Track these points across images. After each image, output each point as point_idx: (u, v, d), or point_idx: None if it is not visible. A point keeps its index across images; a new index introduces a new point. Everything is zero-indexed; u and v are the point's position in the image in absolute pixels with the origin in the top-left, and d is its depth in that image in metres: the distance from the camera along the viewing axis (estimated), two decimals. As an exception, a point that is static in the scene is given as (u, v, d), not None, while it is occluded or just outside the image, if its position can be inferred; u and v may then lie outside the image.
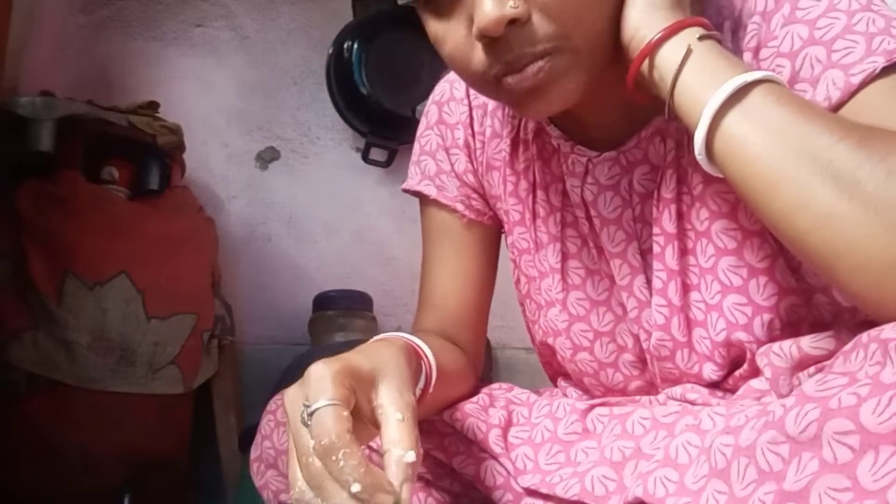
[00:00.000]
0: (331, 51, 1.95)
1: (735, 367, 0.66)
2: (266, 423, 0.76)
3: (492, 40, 0.56)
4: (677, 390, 0.69)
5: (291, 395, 0.52)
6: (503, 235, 0.85)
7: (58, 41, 1.78)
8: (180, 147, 1.59)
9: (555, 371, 0.85)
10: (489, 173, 0.80)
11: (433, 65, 1.94)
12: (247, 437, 1.55)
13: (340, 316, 1.79)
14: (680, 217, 0.65)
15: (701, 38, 0.54)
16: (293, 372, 1.53)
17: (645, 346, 0.70)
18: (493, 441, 0.68)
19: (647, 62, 0.56)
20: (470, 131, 0.81)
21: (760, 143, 0.50)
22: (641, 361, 0.72)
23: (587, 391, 0.80)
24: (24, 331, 1.30)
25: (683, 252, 0.65)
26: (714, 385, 0.68)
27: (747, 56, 0.61)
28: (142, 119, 1.51)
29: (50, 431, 1.31)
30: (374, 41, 1.92)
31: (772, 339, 0.62)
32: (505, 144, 0.78)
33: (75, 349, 1.32)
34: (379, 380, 0.53)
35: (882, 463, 0.37)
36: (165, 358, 1.40)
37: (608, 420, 0.67)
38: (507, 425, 0.70)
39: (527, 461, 0.66)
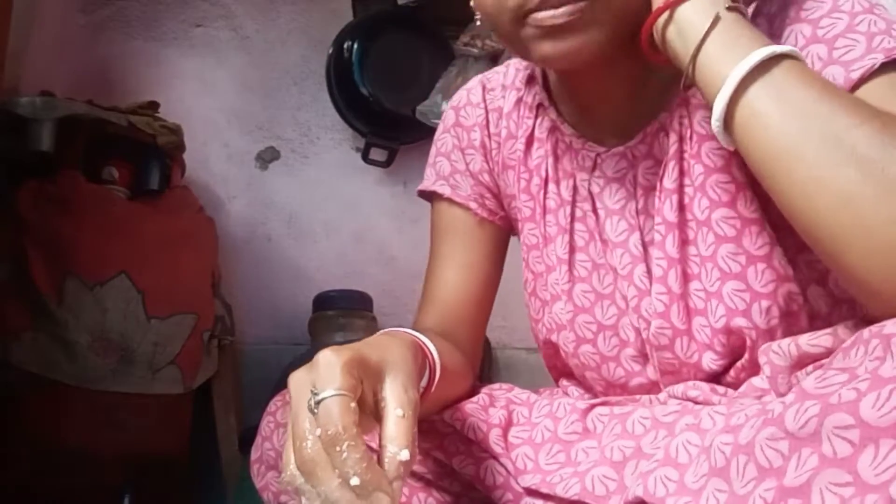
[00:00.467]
0: (331, 51, 1.95)
1: (735, 357, 0.67)
2: (266, 425, 0.76)
3: None
4: (679, 388, 0.69)
5: (298, 379, 0.52)
6: (516, 237, 0.86)
7: (58, 41, 1.78)
8: (180, 147, 1.59)
9: (559, 371, 0.84)
10: (505, 172, 0.82)
11: (433, 65, 1.94)
12: (247, 437, 1.55)
13: (340, 316, 1.79)
14: (681, 208, 0.66)
15: (728, 8, 0.54)
16: (300, 364, 1.52)
17: (644, 335, 0.70)
18: (494, 441, 0.68)
19: (667, 17, 0.56)
20: (486, 132, 0.83)
21: (782, 119, 0.50)
22: (643, 356, 0.72)
23: (589, 389, 0.80)
24: (24, 331, 1.30)
25: (684, 242, 0.66)
26: (715, 379, 0.68)
27: None
28: (142, 119, 1.51)
29: (50, 431, 1.31)
30: (374, 41, 1.92)
31: (770, 328, 0.63)
32: (520, 144, 0.80)
33: (75, 349, 1.32)
34: (385, 373, 0.53)
35: (883, 457, 0.37)
36: (165, 358, 1.40)
37: (608, 419, 0.67)
38: (508, 425, 0.70)
39: (527, 461, 0.66)
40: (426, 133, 1.95)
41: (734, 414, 0.54)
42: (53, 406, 1.31)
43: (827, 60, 0.58)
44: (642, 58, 0.63)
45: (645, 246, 0.69)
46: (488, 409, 0.71)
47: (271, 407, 0.76)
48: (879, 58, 0.56)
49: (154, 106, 1.59)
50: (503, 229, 0.85)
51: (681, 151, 0.66)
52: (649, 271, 0.69)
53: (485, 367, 1.87)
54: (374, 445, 0.51)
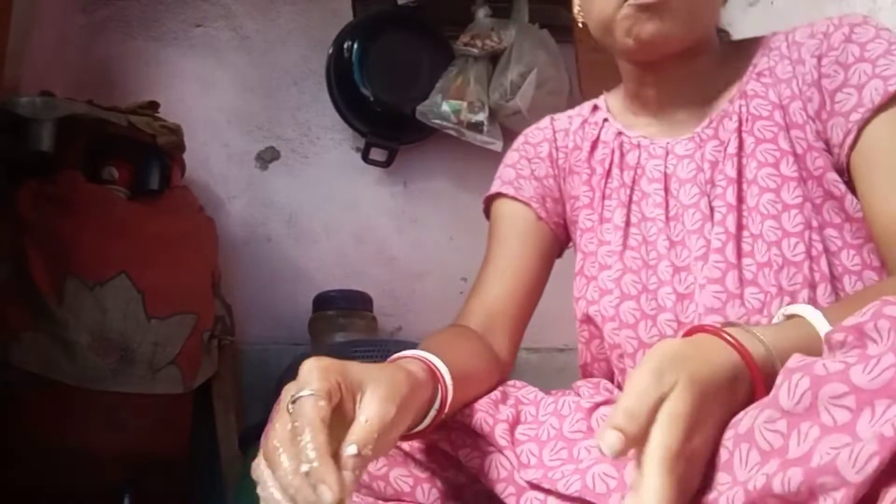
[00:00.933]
0: (331, 51, 1.96)
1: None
2: (277, 411, 0.76)
3: None
4: None
5: (287, 386, 0.57)
6: (573, 240, 0.93)
7: (58, 41, 1.78)
8: (180, 147, 1.59)
9: (592, 356, 0.88)
10: (570, 177, 0.92)
11: (433, 65, 1.94)
12: (247, 437, 1.56)
13: (340, 316, 1.79)
14: (739, 169, 0.78)
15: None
16: (293, 372, 1.53)
17: (702, 280, 0.76)
18: (500, 434, 0.69)
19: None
20: (553, 145, 0.94)
21: None
22: (678, 323, 0.77)
23: (608, 375, 0.85)
24: (24, 331, 1.30)
25: (741, 199, 0.77)
26: None
27: (812, 62, 0.77)
28: (142, 119, 1.51)
29: (50, 431, 1.31)
30: (374, 41, 1.92)
31: (796, 262, 0.73)
32: (584, 150, 0.91)
33: (75, 349, 1.32)
34: (366, 385, 0.57)
35: (880, 415, 0.38)
36: (165, 358, 1.40)
37: None
38: (515, 422, 0.71)
39: (531, 457, 0.67)
40: (426, 133, 1.96)
41: None
42: (53, 406, 1.31)
43: (871, 75, 0.72)
44: (711, 58, 0.82)
45: (712, 210, 0.79)
46: (498, 405, 0.72)
47: (283, 394, 0.77)
48: None
49: (154, 106, 1.59)
50: (554, 236, 0.93)
51: (740, 130, 0.80)
52: (713, 228, 0.79)
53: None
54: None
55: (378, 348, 1.56)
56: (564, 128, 0.95)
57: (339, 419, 0.54)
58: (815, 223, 0.74)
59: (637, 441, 0.47)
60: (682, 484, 0.46)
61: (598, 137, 0.90)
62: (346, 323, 1.78)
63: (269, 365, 1.74)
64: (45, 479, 1.31)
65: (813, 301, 0.71)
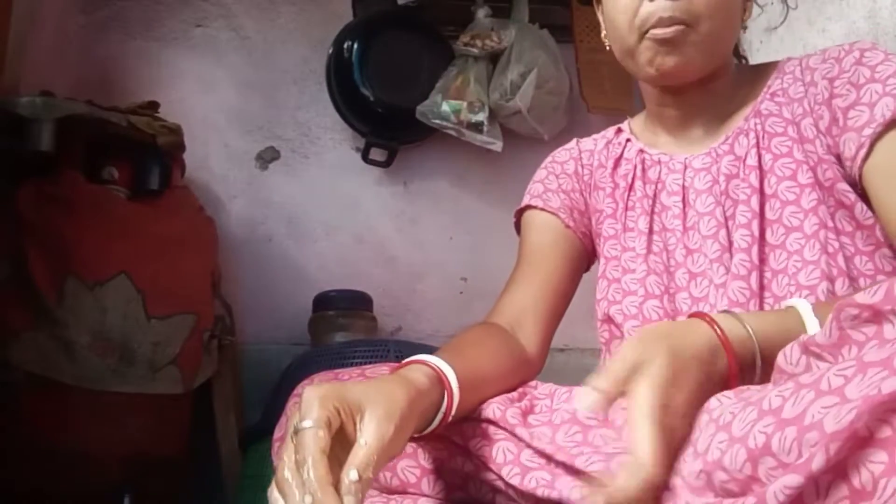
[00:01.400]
0: (331, 51, 1.96)
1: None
2: (292, 405, 0.78)
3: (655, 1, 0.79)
4: None
5: (293, 412, 0.60)
6: (598, 250, 0.97)
7: (58, 41, 1.78)
8: (180, 147, 1.59)
9: (612, 356, 0.87)
10: (595, 192, 0.98)
11: (433, 65, 1.94)
12: (247, 436, 1.56)
13: (340, 316, 1.79)
14: (761, 180, 0.83)
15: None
16: (293, 372, 1.53)
17: (719, 280, 0.81)
18: (511, 415, 0.71)
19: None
20: (579, 163, 1.00)
21: None
22: None
23: None
24: (24, 331, 1.30)
25: (761, 204, 0.82)
26: None
27: (824, 83, 0.82)
28: (142, 119, 1.51)
29: (50, 431, 1.31)
30: (374, 41, 1.92)
31: (814, 260, 0.78)
32: (609, 166, 0.97)
33: (75, 349, 1.31)
34: (364, 408, 0.60)
35: (868, 379, 0.40)
36: (165, 358, 1.40)
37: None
38: (528, 411, 0.73)
39: (543, 437, 0.68)
40: (426, 133, 1.96)
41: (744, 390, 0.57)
42: (53, 406, 1.31)
43: (882, 93, 0.76)
44: (729, 81, 0.88)
45: (726, 219, 0.84)
46: (514, 401, 0.74)
47: (298, 389, 0.78)
48: None
49: (154, 106, 1.59)
50: (584, 246, 0.98)
51: (758, 146, 0.85)
52: (729, 234, 0.83)
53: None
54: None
55: (378, 348, 1.56)
56: (590, 148, 1.01)
57: (342, 442, 0.58)
58: (830, 224, 0.79)
59: (611, 399, 0.55)
60: (668, 434, 0.53)
61: (621, 155, 0.96)
62: (346, 323, 1.78)
63: (269, 365, 1.74)
64: (44, 479, 1.31)
65: (832, 294, 0.76)
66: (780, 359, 0.53)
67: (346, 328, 1.77)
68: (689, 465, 0.52)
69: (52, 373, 1.30)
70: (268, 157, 1.97)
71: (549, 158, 1.05)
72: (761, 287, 0.80)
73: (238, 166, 1.95)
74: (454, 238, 2.02)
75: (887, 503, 0.38)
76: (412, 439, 0.68)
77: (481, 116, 1.88)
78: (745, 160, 0.85)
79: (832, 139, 0.80)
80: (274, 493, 0.57)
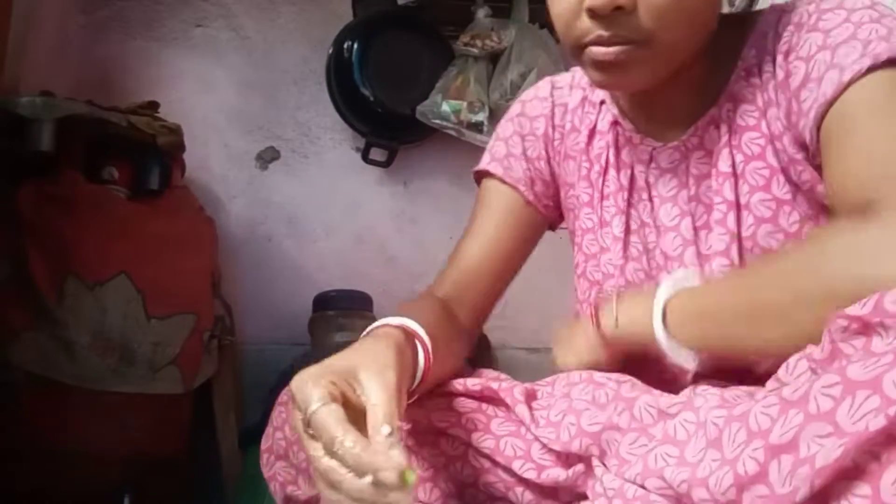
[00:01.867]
0: (331, 51, 1.95)
1: None
2: (278, 415, 0.77)
3: (595, 14, 0.66)
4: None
5: (293, 417, 0.57)
6: (568, 226, 0.91)
7: (58, 41, 1.78)
8: (180, 147, 1.59)
9: None
10: (566, 162, 0.89)
11: (433, 65, 1.94)
12: (247, 436, 1.56)
13: (340, 316, 1.79)
14: (736, 188, 0.73)
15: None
16: (293, 372, 1.52)
17: None
18: (516, 393, 0.71)
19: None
20: (551, 123, 0.90)
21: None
22: None
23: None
24: (24, 331, 1.30)
25: (738, 220, 0.73)
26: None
27: (779, 59, 0.70)
28: (142, 119, 1.51)
29: (50, 431, 1.31)
30: (374, 41, 1.92)
31: None
32: (582, 136, 0.87)
33: (75, 349, 1.31)
34: (359, 372, 0.57)
35: (858, 405, 0.40)
36: (165, 358, 1.40)
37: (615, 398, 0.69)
38: (531, 398, 0.73)
39: (541, 419, 0.69)
40: (426, 133, 1.96)
41: (727, 391, 0.58)
42: (53, 406, 1.31)
43: (829, 64, 0.65)
44: (699, 64, 0.73)
45: (696, 230, 0.76)
46: (514, 388, 0.73)
47: (282, 397, 0.78)
48: (866, 62, 0.62)
49: (154, 106, 1.59)
50: (543, 218, 0.91)
51: (730, 141, 0.74)
52: (699, 254, 0.75)
53: (485, 367, 1.87)
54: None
55: (378, 348, 1.55)
56: (564, 102, 0.90)
57: (350, 413, 0.54)
58: None
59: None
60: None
61: (595, 124, 0.86)
62: (346, 323, 1.78)
63: (269, 365, 1.74)
64: (44, 479, 1.31)
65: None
66: (781, 371, 0.53)
67: (346, 328, 1.77)
68: (671, 470, 0.52)
69: (52, 373, 1.30)
70: (268, 157, 1.97)
71: (517, 108, 0.93)
72: None
73: (238, 166, 1.95)
74: (454, 238, 1.98)
75: None
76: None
77: (481, 116, 1.88)
78: (717, 162, 0.74)
79: (796, 129, 0.69)
80: (327, 491, 0.53)
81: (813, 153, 0.67)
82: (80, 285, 1.34)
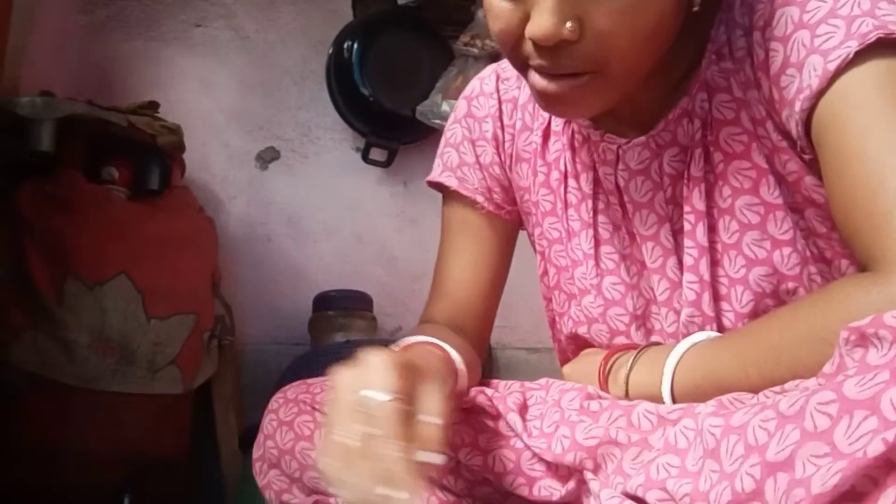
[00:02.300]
0: (331, 51, 1.95)
1: None
2: (268, 423, 0.76)
3: (537, 45, 0.59)
4: None
5: (346, 378, 0.54)
6: (526, 229, 0.86)
7: (58, 41, 1.78)
8: (180, 147, 1.59)
9: None
10: (518, 165, 0.82)
11: (433, 65, 1.94)
12: (247, 437, 1.56)
13: (340, 316, 1.79)
14: (708, 195, 0.66)
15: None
16: (293, 372, 1.53)
17: (672, 329, 0.71)
18: (509, 402, 0.69)
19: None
20: (499, 124, 0.82)
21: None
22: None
23: None
24: (24, 331, 1.30)
25: (712, 229, 0.67)
26: None
27: (756, 35, 0.62)
28: (142, 119, 1.51)
29: (50, 431, 1.31)
30: (374, 41, 1.92)
31: None
32: (536, 136, 0.80)
33: (75, 349, 1.31)
34: (424, 381, 0.56)
35: (856, 426, 0.39)
36: (165, 358, 1.40)
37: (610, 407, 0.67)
38: (523, 407, 0.71)
39: (533, 429, 0.67)
40: (426, 133, 1.95)
41: (723, 400, 0.56)
42: (53, 406, 1.31)
43: (809, 48, 0.58)
44: (664, 57, 0.64)
45: (675, 236, 0.70)
46: (506, 397, 0.71)
47: (272, 405, 0.76)
48: (853, 45, 0.56)
49: (154, 106, 1.59)
50: (511, 223, 0.85)
51: (704, 137, 0.66)
52: (680, 262, 0.69)
53: (485, 367, 1.87)
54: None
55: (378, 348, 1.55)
56: (513, 97, 0.82)
57: None
58: (807, 253, 0.65)
59: None
60: None
61: (549, 123, 0.78)
62: (346, 323, 1.78)
63: (269, 365, 1.74)
64: (44, 480, 1.31)
65: None
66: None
67: (346, 328, 1.77)
68: (674, 482, 0.51)
69: (52, 373, 1.30)
70: (268, 157, 1.97)
71: (464, 106, 0.85)
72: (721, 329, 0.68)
73: (238, 166, 1.94)
74: (454, 238, 2.02)
75: None
76: None
77: (481, 116, 1.88)
78: (690, 163, 0.67)
79: (781, 119, 0.62)
80: (333, 468, 0.51)
81: (802, 147, 0.61)
82: (80, 285, 1.34)
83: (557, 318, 0.82)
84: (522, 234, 0.89)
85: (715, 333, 0.66)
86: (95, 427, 1.34)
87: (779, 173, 0.64)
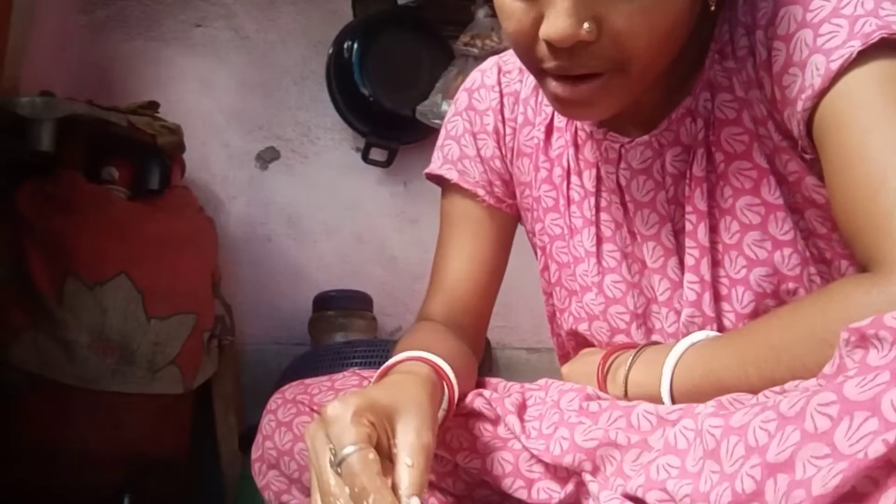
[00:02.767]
0: (331, 51, 1.95)
1: None
2: (267, 424, 0.75)
3: (553, 47, 0.58)
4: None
5: (313, 434, 0.53)
6: (524, 225, 0.86)
7: (58, 41, 1.78)
8: (180, 147, 1.59)
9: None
10: (519, 160, 0.81)
11: (433, 65, 1.94)
12: (247, 437, 1.55)
13: (340, 316, 1.79)
14: (710, 195, 0.67)
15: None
16: (293, 372, 1.53)
17: (672, 329, 0.71)
18: (507, 404, 0.68)
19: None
20: (500, 117, 0.82)
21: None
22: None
23: None
24: (24, 331, 1.30)
25: (713, 229, 0.67)
26: None
27: (759, 34, 0.62)
28: (142, 119, 1.51)
29: (50, 431, 1.31)
30: (374, 41, 1.92)
31: None
32: (538, 132, 0.79)
33: (75, 349, 1.31)
34: (398, 416, 0.54)
35: (856, 427, 0.39)
36: (165, 358, 1.40)
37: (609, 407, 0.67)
38: (522, 407, 0.70)
39: (532, 431, 0.66)
40: (426, 133, 1.95)
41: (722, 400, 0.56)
42: (53, 406, 1.31)
43: (812, 48, 0.58)
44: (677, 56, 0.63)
45: (676, 235, 0.69)
46: (504, 398, 0.70)
47: (271, 405, 0.76)
48: (857, 45, 0.56)
49: (154, 106, 1.59)
50: (511, 217, 0.85)
51: (707, 137, 0.66)
52: (681, 262, 0.69)
53: (485, 367, 1.87)
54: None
55: (378, 348, 1.55)
56: (514, 90, 0.81)
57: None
58: (806, 253, 0.65)
59: None
60: None
61: (552, 119, 0.78)
62: (346, 323, 1.78)
63: (269, 365, 1.74)
64: (44, 480, 1.31)
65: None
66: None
67: (346, 328, 1.77)
68: (674, 482, 0.51)
69: (52, 373, 1.30)
70: (268, 157, 1.97)
71: (464, 98, 0.84)
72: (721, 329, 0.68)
73: (238, 166, 1.94)
74: (454, 238, 2.02)
75: None
76: None
77: (481, 116, 1.88)
78: (692, 163, 0.67)
79: (782, 118, 0.62)
80: None
81: (803, 147, 0.61)
82: (80, 285, 1.34)
83: (558, 314, 0.82)
84: (522, 234, 0.89)
85: (714, 333, 0.66)
86: (95, 427, 1.34)
87: (780, 173, 0.64)
